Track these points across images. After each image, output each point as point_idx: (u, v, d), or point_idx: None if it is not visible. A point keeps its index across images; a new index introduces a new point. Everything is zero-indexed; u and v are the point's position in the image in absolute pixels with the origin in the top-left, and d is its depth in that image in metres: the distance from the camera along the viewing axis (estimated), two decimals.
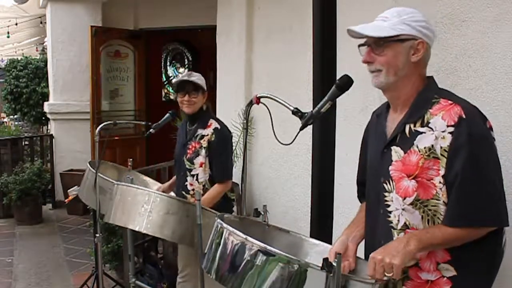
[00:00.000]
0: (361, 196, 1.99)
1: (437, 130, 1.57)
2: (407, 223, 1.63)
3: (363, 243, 1.88)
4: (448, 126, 1.55)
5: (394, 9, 1.67)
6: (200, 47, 8.94)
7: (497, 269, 1.64)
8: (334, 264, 1.38)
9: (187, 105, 3.07)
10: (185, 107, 3.09)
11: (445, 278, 1.60)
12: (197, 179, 3.06)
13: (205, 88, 3.13)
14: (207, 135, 3.05)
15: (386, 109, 1.78)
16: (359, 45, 1.70)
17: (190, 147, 3.09)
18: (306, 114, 1.77)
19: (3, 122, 12.47)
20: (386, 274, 1.50)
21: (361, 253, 1.86)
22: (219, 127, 3.08)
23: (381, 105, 1.86)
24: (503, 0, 2.06)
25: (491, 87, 2.11)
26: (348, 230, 1.87)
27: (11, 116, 11.54)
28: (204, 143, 3.04)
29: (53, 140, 7.46)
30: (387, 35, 1.61)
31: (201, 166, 3.05)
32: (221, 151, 3.04)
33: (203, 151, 3.04)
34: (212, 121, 3.11)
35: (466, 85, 2.21)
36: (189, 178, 3.08)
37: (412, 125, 1.63)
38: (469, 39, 2.21)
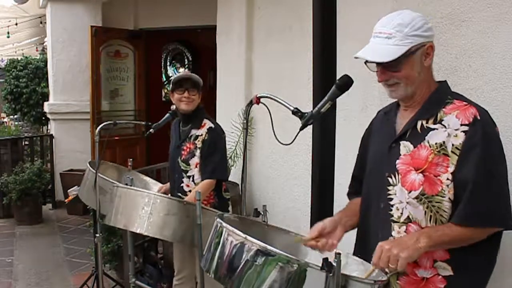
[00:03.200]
0: (352, 192, 2.00)
1: (450, 128, 1.58)
2: (410, 216, 1.63)
3: (352, 239, 1.88)
4: (461, 124, 1.57)
5: (393, 22, 1.63)
6: (200, 47, 8.95)
7: (491, 271, 1.65)
8: (334, 264, 1.37)
9: (186, 102, 3.06)
10: (184, 104, 3.07)
11: (440, 277, 1.61)
12: (193, 180, 3.05)
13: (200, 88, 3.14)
14: (201, 135, 3.04)
15: (396, 107, 1.79)
16: (366, 62, 1.68)
17: (185, 148, 3.08)
18: (306, 114, 1.77)
19: (3, 122, 12.48)
20: (390, 265, 1.50)
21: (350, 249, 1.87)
22: (213, 126, 3.08)
23: (390, 104, 1.87)
24: (503, 0, 2.06)
25: (491, 87, 2.11)
26: (342, 214, 1.87)
27: (11, 116, 11.55)
28: (199, 143, 3.03)
29: (53, 140, 7.46)
30: (400, 55, 1.60)
31: (196, 166, 3.04)
32: (212, 150, 3.02)
33: (198, 152, 3.03)
34: (206, 120, 3.10)
35: (466, 85, 2.21)
36: (185, 180, 3.07)
37: (424, 122, 1.65)
38: (469, 39, 2.21)
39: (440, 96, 1.67)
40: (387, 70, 1.64)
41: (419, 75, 1.65)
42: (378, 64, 1.65)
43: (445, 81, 1.74)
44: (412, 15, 1.65)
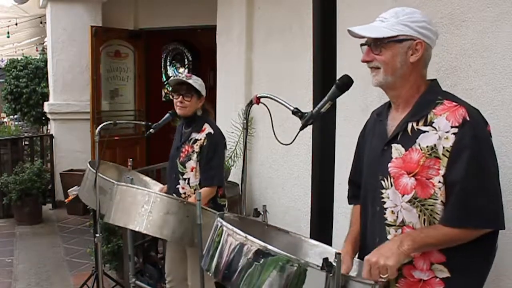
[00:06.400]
0: (351, 196, 1.99)
1: (441, 130, 1.57)
2: (404, 220, 1.63)
3: None
4: (452, 127, 1.56)
5: (393, 9, 1.68)
6: (200, 47, 8.95)
7: (488, 272, 1.65)
8: (334, 264, 1.37)
9: (179, 106, 3.05)
10: (178, 109, 3.07)
11: (438, 279, 1.61)
12: (188, 183, 3.05)
13: (203, 93, 3.09)
14: (200, 139, 3.03)
15: (387, 108, 1.79)
16: (361, 45, 1.71)
17: (184, 150, 3.07)
18: (306, 114, 1.77)
19: (3, 122, 12.46)
20: (382, 276, 1.51)
21: None
22: (212, 132, 3.04)
23: (382, 105, 1.87)
24: (503, 0, 2.06)
25: (491, 87, 2.11)
26: (351, 247, 1.84)
27: (11, 116, 11.54)
28: (197, 147, 3.02)
29: (53, 140, 7.45)
30: (384, 35, 1.62)
31: (192, 170, 3.03)
32: (210, 156, 3.00)
33: (194, 156, 3.02)
34: (206, 125, 3.07)
35: (466, 85, 2.21)
36: (181, 182, 3.06)
37: (414, 124, 1.64)
38: (469, 39, 2.21)
39: (430, 97, 1.66)
40: (372, 51, 1.66)
41: (401, 67, 1.64)
42: (367, 45, 1.67)
43: (435, 79, 1.73)
44: (415, 11, 1.66)
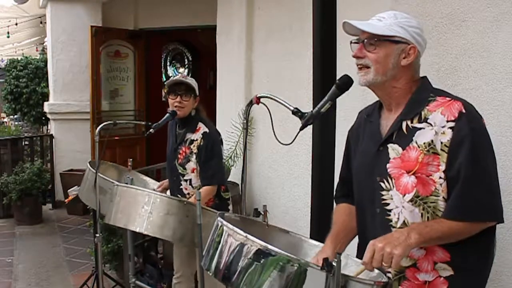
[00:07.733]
0: (340, 196, 1.97)
1: (437, 126, 1.57)
2: (406, 221, 1.62)
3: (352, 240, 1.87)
4: (448, 121, 1.56)
5: (391, 11, 1.69)
6: (200, 47, 8.95)
7: (490, 267, 1.65)
8: (334, 264, 1.37)
9: (178, 107, 3.05)
10: (176, 110, 3.07)
11: (442, 278, 1.60)
12: (190, 184, 3.06)
13: (197, 93, 3.11)
14: (197, 140, 3.04)
15: (378, 109, 1.78)
16: (351, 42, 1.70)
17: (181, 152, 3.08)
18: (306, 114, 1.77)
19: (3, 122, 12.47)
20: (384, 264, 1.48)
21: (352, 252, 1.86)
22: (207, 130, 3.05)
23: (370, 105, 1.86)
24: (503, 0, 2.07)
25: (491, 87, 2.12)
26: (334, 240, 1.80)
27: (11, 116, 11.54)
28: (194, 148, 3.03)
29: (53, 140, 7.46)
30: (382, 33, 1.62)
31: (193, 171, 3.04)
32: (210, 155, 3.01)
33: (193, 157, 3.03)
34: (200, 124, 3.08)
35: (466, 85, 2.21)
36: (183, 183, 3.08)
37: (409, 122, 1.63)
38: (469, 39, 2.21)
39: (423, 94, 1.65)
40: (365, 47, 1.65)
41: (392, 68, 1.63)
42: (360, 42, 1.66)
43: (425, 76, 1.72)
44: (412, 17, 1.67)
